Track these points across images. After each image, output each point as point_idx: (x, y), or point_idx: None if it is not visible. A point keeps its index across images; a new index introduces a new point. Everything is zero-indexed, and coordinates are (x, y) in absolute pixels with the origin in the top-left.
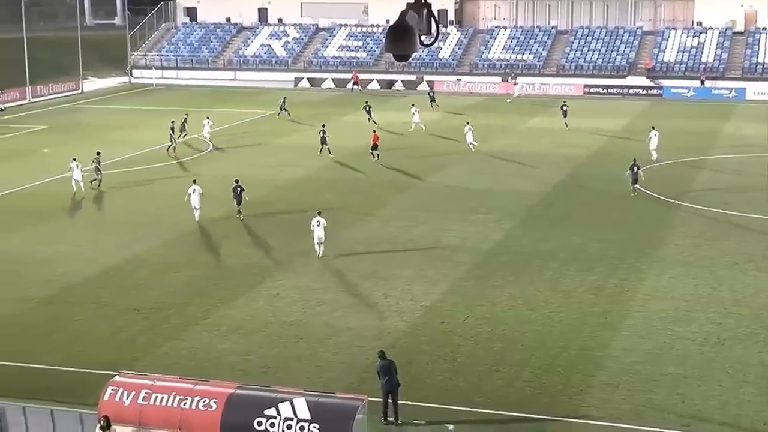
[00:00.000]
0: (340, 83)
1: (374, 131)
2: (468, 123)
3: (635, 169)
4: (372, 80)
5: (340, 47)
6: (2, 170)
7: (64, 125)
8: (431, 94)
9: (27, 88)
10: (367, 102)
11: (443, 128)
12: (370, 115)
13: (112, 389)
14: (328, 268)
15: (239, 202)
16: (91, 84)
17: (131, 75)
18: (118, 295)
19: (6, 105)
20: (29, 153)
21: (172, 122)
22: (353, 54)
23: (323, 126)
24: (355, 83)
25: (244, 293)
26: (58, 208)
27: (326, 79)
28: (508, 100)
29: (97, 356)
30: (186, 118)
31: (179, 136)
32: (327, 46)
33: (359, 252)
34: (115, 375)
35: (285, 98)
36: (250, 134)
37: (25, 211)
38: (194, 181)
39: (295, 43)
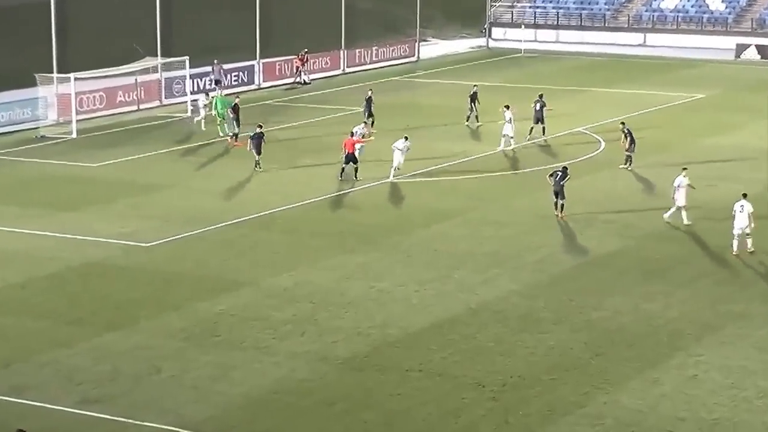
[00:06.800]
0: None
1: (351, 134)
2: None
3: None
4: None
5: None
6: (305, 170)
7: (390, 109)
8: None
9: (341, 53)
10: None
11: None
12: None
13: None
14: None
15: (560, 196)
16: (432, 48)
17: (489, 36)
18: (454, 361)
19: (312, 77)
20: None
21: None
22: None
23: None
24: None
25: (642, 370)
26: (375, 226)
27: None
28: None
29: None
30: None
31: None
32: None
33: None
34: None
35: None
36: (664, 127)
37: (341, 230)
38: (684, 168)
39: None
